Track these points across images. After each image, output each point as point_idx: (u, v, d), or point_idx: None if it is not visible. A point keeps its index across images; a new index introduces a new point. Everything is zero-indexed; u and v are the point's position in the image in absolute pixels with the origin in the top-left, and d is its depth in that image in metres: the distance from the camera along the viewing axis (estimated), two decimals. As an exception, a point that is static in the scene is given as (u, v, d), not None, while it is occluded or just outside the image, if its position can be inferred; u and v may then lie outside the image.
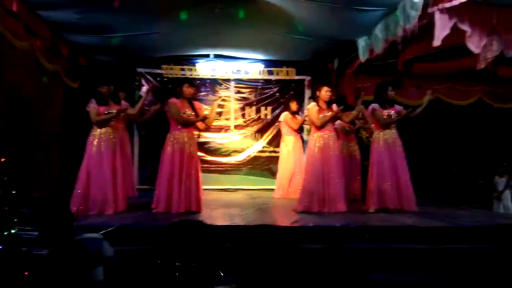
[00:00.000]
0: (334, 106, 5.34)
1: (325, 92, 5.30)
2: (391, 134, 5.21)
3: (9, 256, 3.19)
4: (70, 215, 2.45)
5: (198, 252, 1.48)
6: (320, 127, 5.21)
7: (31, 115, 5.66)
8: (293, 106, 7.07)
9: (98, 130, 4.90)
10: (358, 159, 6.52)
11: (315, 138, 5.22)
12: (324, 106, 5.29)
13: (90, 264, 2.35)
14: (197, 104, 5.26)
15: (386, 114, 5.24)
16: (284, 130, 7.08)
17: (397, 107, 5.37)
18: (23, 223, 3.79)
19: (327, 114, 5.21)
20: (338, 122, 6.48)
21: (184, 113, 4.99)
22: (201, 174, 5.24)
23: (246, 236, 1.54)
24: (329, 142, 5.18)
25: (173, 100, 5.06)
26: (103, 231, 3.34)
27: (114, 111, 4.95)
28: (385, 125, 5.22)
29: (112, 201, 4.82)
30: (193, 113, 5.03)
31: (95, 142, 4.86)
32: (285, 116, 7.04)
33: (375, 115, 5.30)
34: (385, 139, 5.17)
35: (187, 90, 5.02)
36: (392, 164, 5.09)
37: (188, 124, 5.04)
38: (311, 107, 5.34)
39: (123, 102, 5.22)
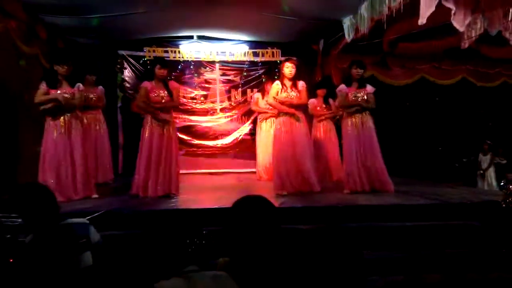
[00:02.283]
0: (300, 83, 5.06)
1: (286, 68, 4.96)
2: (360, 116, 5.04)
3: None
4: (52, 200, 2.38)
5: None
6: (273, 106, 5.07)
7: (11, 99, 5.50)
8: (269, 87, 6.84)
9: (50, 116, 4.64)
10: (334, 141, 6.45)
11: (280, 120, 5.06)
12: (288, 84, 5.01)
13: (78, 249, 2.31)
14: (173, 84, 5.09)
15: (352, 95, 5.06)
16: (253, 108, 6.95)
17: (369, 88, 5.12)
18: (7, 210, 3.70)
19: (290, 93, 5.00)
20: (309, 102, 6.32)
21: (157, 95, 4.88)
22: (179, 157, 5.15)
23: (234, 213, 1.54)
24: (294, 123, 5.00)
25: (144, 83, 4.96)
26: (88, 217, 3.28)
27: (66, 95, 4.65)
28: (346, 108, 5.09)
29: (73, 187, 4.66)
30: (166, 95, 4.93)
31: (48, 129, 4.64)
32: (255, 95, 6.92)
33: (338, 96, 5.20)
34: (353, 121, 5.05)
35: (159, 71, 4.86)
36: (361, 147, 4.98)
37: (152, 113, 4.88)
38: (273, 85, 5.10)
39: (77, 85, 4.80)
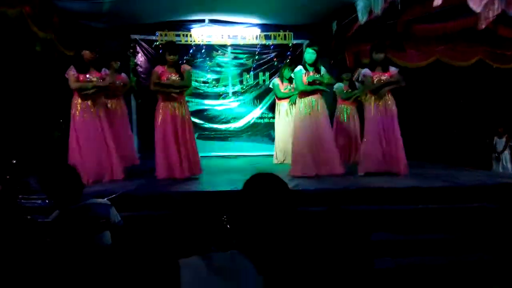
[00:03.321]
0: (322, 69, 5.18)
1: (307, 54, 5.11)
2: (384, 99, 5.07)
3: (14, 224, 3.20)
4: (79, 179, 2.45)
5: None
6: (304, 92, 5.10)
7: (27, 85, 5.56)
8: (287, 73, 6.77)
9: (79, 99, 4.77)
10: (357, 124, 6.48)
11: (302, 103, 5.12)
12: (311, 69, 5.12)
13: (98, 229, 2.38)
14: (184, 67, 5.15)
15: (377, 78, 5.09)
16: (279, 95, 6.96)
17: (392, 70, 5.17)
18: (27, 192, 3.80)
19: (314, 76, 5.10)
20: (336, 86, 6.44)
21: (167, 79, 4.93)
22: (194, 138, 5.22)
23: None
24: (316, 106, 5.08)
25: (156, 68, 5.05)
26: (108, 197, 3.35)
27: (95, 78, 4.82)
28: (372, 90, 5.12)
29: (107, 169, 4.83)
30: (178, 78, 4.98)
31: (77, 113, 4.76)
32: (273, 82, 6.92)
33: (364, 80, 5.22)
34: (376, 104, 5.07)
35: (169, 57, 4.96)
36: (383, 130, 5.02)
37: (163, 92, 4.96)
38: (296, 71, 5.17)
39: (103, 70, 5.01)
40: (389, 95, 5.12)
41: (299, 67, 5.15)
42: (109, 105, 5.56)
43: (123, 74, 6.16)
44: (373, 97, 5.12)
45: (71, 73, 4.75)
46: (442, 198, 4.05)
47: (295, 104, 5.55)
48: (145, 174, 5.29)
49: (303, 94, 5.12)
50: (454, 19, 6.70)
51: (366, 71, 5.19)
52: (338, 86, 6.45)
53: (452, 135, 7.75)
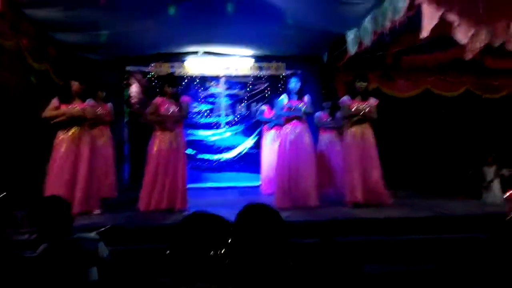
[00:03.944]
0: (306, 97, 5.28)
1: (292, 83, 5.26)
2: (361, 127, 5.14)
3: (2, 258, 3.15)
4: (69, 213, 2.44)
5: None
6: (283, 118, 5.22)
7: (21, 115, 5.58)
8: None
9: (61, 130, 4.71)
10: (339, 153, 6.43)
11: (283, 133, 5.20)
12: (294, 97, 5.25)
13: (85, 264, 2.35)
14: (184, 98, 5.23)
15: (354, 107, 5.18)
16: (261, 118, 7.05)
17: (372, 100, 5.25)
18: (16, 226, 3.76)
19: (295, 105, 5.17)
20: (316, 115, 6.43)
21: (166, 110, 4.99)
22: (186, 171, 5.20)
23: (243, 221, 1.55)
24: (298, 137, 5.12)
25: (156, 99, 5.10)
26: (97, 231, 3.32)
27: (75, 109, 4.74)
28: (345, 117, 5.23)
29: (73, 201, 4.55)
30: (176, 109, 5.03)
31: (57, 144, 4.70)
32: (261, 108, 7.02)
33: (341, 107, 5.34)
34: (352, 132, 5.14)
35: (168, 89, 5.05)
36: (360, 158, 5.03)
37: (159, 123, 5.00)
38: (279, 99, 5.31)
39: (88, 100, 4.92)
40: (367, 124, 5.17)
41: (283, 95, 5.31)
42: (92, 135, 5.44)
43: (109, 104, 6.16)
44: (349, 127, 5.19)
45: (53, 101, 4.72)
46: (431, 228, 4.04)
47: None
48: (125, 205, 5.24)
49: (285, 120, 5.21)
50: (441, 50, 6.88)
51: (344, 98, 5.29)
52: (316, 115, 6.46)
53: (441, 164, 7.79)
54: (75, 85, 4.79)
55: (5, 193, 3.83)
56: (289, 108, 5.18)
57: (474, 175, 7.31)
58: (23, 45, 5.26)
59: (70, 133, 4.72)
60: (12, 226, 3.74)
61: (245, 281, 1.44)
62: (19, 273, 2.80)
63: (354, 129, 5.14)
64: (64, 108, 4.71)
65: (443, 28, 4.44)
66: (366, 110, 5.15)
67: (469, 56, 5.21)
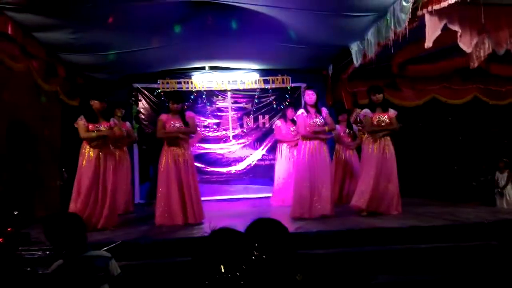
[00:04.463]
0: (324, 110, 5.30)
1: (307, 96, 5.24)
2: (382, 140, 5.17)
3: (15, 276, 3.19)
4: (84, 230, 2.49)
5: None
6: (306, 136, 5.16)
7: (31, 135, 5.69)
8: (289, 113, 6.87)
9: (87, 147, 4.83)
10: (356, 165, 6.45)
11: (303, 145, 5.18)
12: (312, 110, 5.23)
13: (97, 281, 2.38)
14: (189, 114, 5.29)
15: (376, 119, 5.21)
16: (278, 137, 7.08)
17: (391, 112, 5.31)
18: (28, 244, 3.81)
19: (315, 119, 5.17)
20: (335, 131, 6.50)
21: (172, 126, 5.04)
22: (198, 184, 5.24)
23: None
24: (318, 149, 5.13)
25: (161, 116, 5.17)
26: (105, 248, 3.35)
27: (104, 128, 4.90)
28: (371, 132, 5.23)
29: (98, 217, 4.76)
30: (181, 125, 5.08)
31: (84, 162, 4.81)
32: (276, 123, 7.05)
33: (364, 121, 5.36)
34: (374, 144, 5.16)
35: (173, 106, 5.10)
36: (381, 170, 5.06)
37: (170, 139, 5.06)
38: (299, 114, 5.27)
39: (112, 119, 5.11)
40: (388, 137, 5.21)
41: (301, 110, 5.25)
42: (116, 154, 5.60)
43: (127, 123, 6.28)
44: (371, 138, 5.20)
45: (81, 122, 4.82)
46: (443, 237, 4.01)
47: (297, 145, 5.60)
48: (138, 221, 5.29)
49: (305, 137, 5.21)
50: (447, 59, 6.90)
51: (366, 111, 5.32)
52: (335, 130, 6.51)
53: (453, 171, 7.75)
54: (96, 103, 4.89)
55: (17, 212, 3.89)
56: (315, 125, 5.14)
57: (487, 181, 7.28)
58: (33, 67, 5.38)
59: (96, 152, 4.83)
60: (25, 244, 3.79)
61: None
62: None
63: (376, 142, 5.16)
64: (92, 127, 4.84)
65: (447, 38, 4.47)
66: (388, 122, 5.20)
67: (474, 64, 5.23)
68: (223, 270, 1.42)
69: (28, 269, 3.49)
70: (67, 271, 2.36)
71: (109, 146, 5.05)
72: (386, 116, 5.24)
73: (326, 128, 5.20)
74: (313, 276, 1.58)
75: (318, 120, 5.17)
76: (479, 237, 3.99)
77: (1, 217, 3.61)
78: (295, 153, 6.22)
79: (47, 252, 3.76)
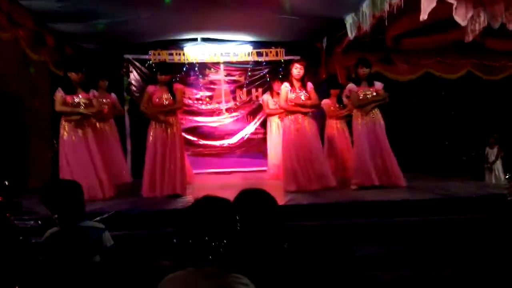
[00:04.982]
0: (309, 84, 5.25)
1: (295, 69, 5.16)
2: (370, 113, 5.15)
3: (8, 246, 3.21)
4: (83, 198, 2.49)
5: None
6: (286, 109, 5.14)
7: (21, 107, 5.61)
8: (276, 86, 6.70)
9: (65, 121, 4.81)
10: (347, 139, 6.48)
11: (288, 120, 5.17)
12: (297, 84, 5.18)
13: (90, 251, 2.40)
14: (177, 86, 5.24)
15: (362, 93, 5.18)
16: (267, 111, 7.03)
17: (377, 85, 5.27)
18: (20, 213, 3.82)
19: (299, 94, 5.14)
20: (324, 102, 6.47)
21: (159, 99, 5.00)
22: (186, 156, 5.26)
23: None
24: (304, 122, 5.13)
25: (148, 87, 5.13)
26: (100, 217, 3.37)
27: (82, 99, 4.84)
28: (358, 106, 5.19)
29: (97, 188, 4.80)
30: (169, 97, 5.03)
31: (65, 133, 4.80)
32: (263, 98, 6.99)
33: (351, 96, 5.30)
34: (363, 119, 5.15)
35: (161, 77, 5.04)
36: (372, 144, 5.08)
37: (153, 117, 5.05)
38: (282, 88, 5.23)
39: (91, 91, 5.03)
40: (376, 109, 5.19)
41: (285, 84, 5.21)
42: (97, 125, 5.49)
43: (112, 94, 6.17)
44: (359, 112, 5.18)
45: (59, 94, 4.77)
46: (433, 210, 4.08)
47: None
48: (130, 192, 5.33)
49: (286, 111, 5.16)
50: (442, 32, 6.82)
51: (351, 86, 5.28)
52: (324, 102, 6.48)
53: (444, 146, 7.80)
54: (72, 75, 4.81)
55: (7, 181, 3.89)
56: (298, 98, 5.10)
57: (477, 156, 7.35)
58: (21, 36, 5.24)
59: (75, 123, 4.80)
60: (17, 213, 3.80)
61: (240, 263, 1.47)
62: (26, 258, 2.86)
63: (365, 116, 5.14)
64: (69, 99, 4.78)
65: (442, 10, 4.41)
66: (375, 95, 5.14)
67: (469, 38, 5.19)
68: (207, 239, 1.42)
69: (21, 238, 3.52)
70: (61, 239, 2.38)
71: (91, 119, 4.98)
72: (372, 90, 5.20)
73: (309, 102, 5.14)
74: (298, 246, 1.60)
75: (302, 94, 5.13)
76: (467, 211, 4.06)
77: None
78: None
79: (39, 222, 3.79)
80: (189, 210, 1.56)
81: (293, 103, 5.10)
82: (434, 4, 4.15)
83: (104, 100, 5.86)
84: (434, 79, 7.90)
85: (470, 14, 4.41)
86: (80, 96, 4.85)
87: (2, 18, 4.81)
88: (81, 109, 4.80)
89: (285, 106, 5.13)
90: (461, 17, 4.37)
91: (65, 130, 4.79)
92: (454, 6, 4.23)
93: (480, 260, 3.46)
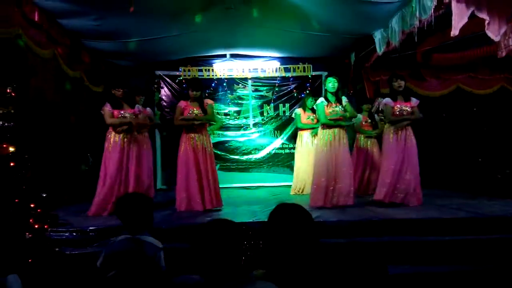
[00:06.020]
0: (344, 99, 5.22)
1: (329, 83, 5.15)
2: (404, 129, 5.07)
3: (44, 256, 3.32)
4: (151, 213, 2.59)
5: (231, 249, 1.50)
6: (326, 125, 5.13)
7: (57, 121, 5.82)
8: (309, 102, 6.75)
9: (113, 132, 5.01)
10: (377, 155, 6.41)
11: (323, 134, 5.15)
12: (332, 99, 5.16)
13: (144, 267, 2.41)
14: (207, 101, 5.33)
15: (398, 108, 5.10)
16: (299, 125, 7.03)
17: (414, 101, 5.18)
18: (56, 225, 3.94)
19: (335, 108, 5.12)
20: (357, 119, 6.45)
21: (190, 113, 5.10)
22: (216, 170, 5.31)
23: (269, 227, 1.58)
24: (338, 138, 5.10)
25: (180, 103, 5.25)
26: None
27: (128, 115, 5.05)
28: (391, 122, 5.13)
29: None
30: (200, 112, 5.14)
31: (109, 147, 4.99)
32: (296, 112, 7.00)
33: (384, 110, 5.25)
34: (395, 134, 5.07)
35: (192, 93, 5.16)
36: (401, 161, 4.98)
37: (187, 126, 5.14)
38: (318, 103, 5.21)
39: (137, 106, 5.30)
40: (409, 126, 5.12)
41: (321, 99, 5.19)
42: (138, 138, 5.67)
43: (148, 109, 6.37)
44: (392, 128, 5.12)
45: (107, 109, 4.99)
46: (465, 229, 3.97)
47: (317, 135, 5.57)
48: (167, 206, 5.37)
49: (325, 126, 5.18)
50: (474, 48, 6.71)
51: (387, 100, 5.20)
52: (357, 119, 6.41)
53: (477, 163, 7.59)
54: (119, 91, 5.03)
55: (46, 194, 4.03)
56: (333, 112, 5.10)
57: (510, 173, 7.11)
58: (58, 53, 5.50)
59: (120, 137, 5.00)
60: (53, 225, 3.92)
61: (276, 278, 1.48)
62: (61, 268, 2.95)
63: (398, 132, 5.08)
64: (116, 113, 5.01)
65: (473, 26, 4.36)
66: (410, 111, 5.09)
67: (502, 53, 5.10)
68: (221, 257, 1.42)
69: (56, 249, 3.63)
70: (127, 246, 2.43)
71: (134, 132, 5.16)
72: (408, 105, 5.13)
73: (347, 114, 5.15)
74: (330, 265, 1.59)
75: (338, 109, 5.12)
76: (501, 230, 3.93)
77: (31, 199, 3.74)
78: (315, 142, 6.19)
79: (74, 234, 3.90)
80: (199, 230, 1.57)
81: (331, 118, 5.10)
82: (465, 20, 4.10)
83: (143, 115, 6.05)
84: (466, 94, 7.76)
85: (503, 30, 4.33)
86: (128, 111, 5.08)
87: (42, 36, 5.06)
88: (129, 120, 5.03)
89: (325, 121, 5.13)
90: (493, 32, 4.30)
91: (110, 143, 4.99)
92: (486, 22, 4.17)
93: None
